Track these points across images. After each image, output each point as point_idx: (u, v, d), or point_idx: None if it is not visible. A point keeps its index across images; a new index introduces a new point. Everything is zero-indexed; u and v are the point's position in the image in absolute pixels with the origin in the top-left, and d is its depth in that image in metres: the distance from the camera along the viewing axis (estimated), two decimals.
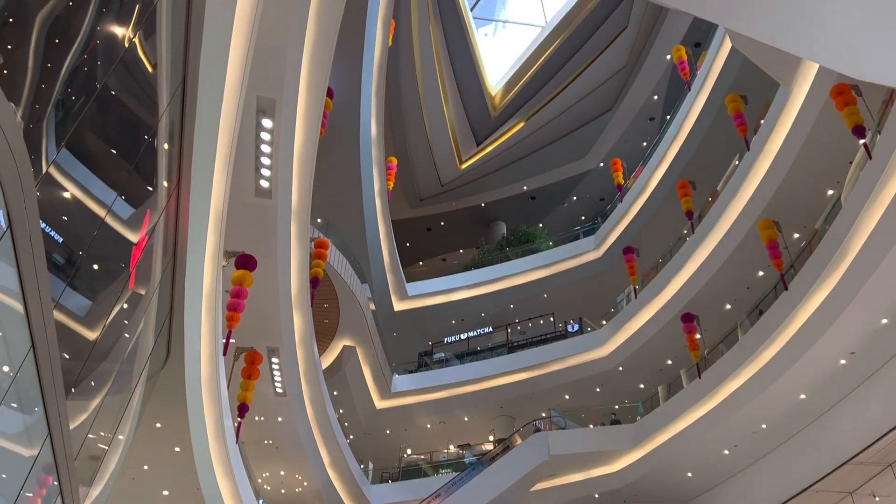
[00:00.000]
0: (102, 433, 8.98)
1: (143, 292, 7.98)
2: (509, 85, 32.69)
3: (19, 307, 4.36)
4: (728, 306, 19.90)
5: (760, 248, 16.93)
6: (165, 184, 7.35)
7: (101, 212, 5.39)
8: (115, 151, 5.74)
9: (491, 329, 28.72)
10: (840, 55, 4.48)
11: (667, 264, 21.09)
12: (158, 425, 12.14)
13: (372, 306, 24.89)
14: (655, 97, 30.13)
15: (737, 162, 19.04)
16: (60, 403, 5.96)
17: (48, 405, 5.77)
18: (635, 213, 24.96)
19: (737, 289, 19.29)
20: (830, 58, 4.62)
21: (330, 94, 15.29)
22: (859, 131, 13.12)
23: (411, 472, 24.83)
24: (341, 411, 24.29)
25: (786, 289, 15.44)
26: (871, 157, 12.80)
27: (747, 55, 15.17)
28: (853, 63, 4.53)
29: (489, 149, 33.66)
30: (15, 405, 5.56)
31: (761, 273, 18.53)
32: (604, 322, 24.35)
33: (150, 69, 5.95)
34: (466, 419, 26.12)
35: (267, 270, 13.65)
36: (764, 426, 16.55)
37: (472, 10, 31.36)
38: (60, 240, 4.91)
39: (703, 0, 4.16)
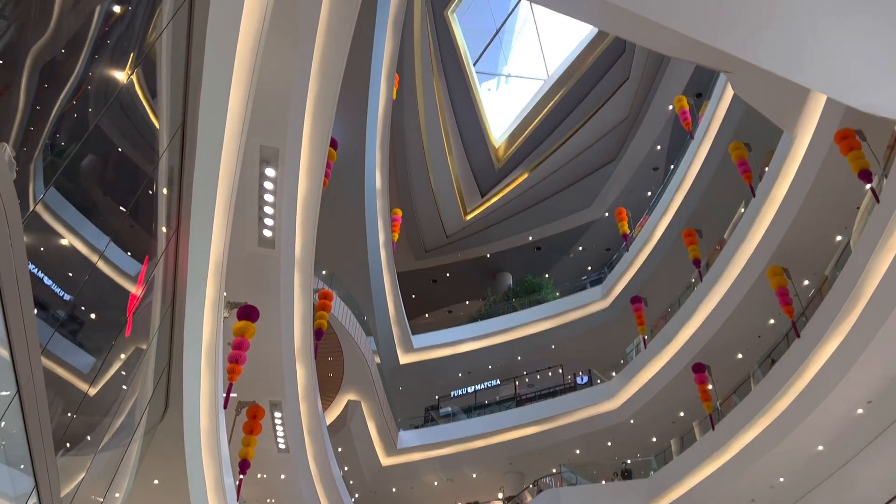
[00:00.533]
0: (97, 490, 8.68)
1: (140, 341, 7.80)
2: (513, 137, 33.04)
3: (4, 352, 4.20)
4: (739, 355, 19.53)
5: (770, 295, 16.68)
6: (164, 229, 7.26)
7: (93, 256, 5.27)
8: (109, 195, 5.66)
9: (498, 382, 28.26)
10: (846, 85, 4.39)
11: (675, 313, 20.82)
12: (156, 482, 11.78)
13: (377, 359, 24.57)
14: (658, 147, 30.31)
15: (743, 209, 18.96)
16: (49, 455, 5.72)
17: (35, 458, 5.53)
18: (642, 262, 24.78)
19: (748, 337, 18.96)
20: (837, 88, 4.52)
21: (334, 144, 15.38)
22: (865, 175, 13.06)
23: None
24: (346, 468, 23.71)
25: (798, 336, 15.14)
26: (878, 201, 12.68)
27: (749, 102, 15.24)
28: (860, 94, 4.44)
29: (494, 200, 33.79)
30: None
31: (772, 321, 18.24)
32: (613, 373, 23.93)
33: (148, 112, 5.92)
34: (475, 476, 25.44)
35: (270, 322, 13.49)
36: (782, 479, 16.00)
37: (474, 64, 31.92)
38: (50, 283, 4.77)
39: (718, 33, 4.13)
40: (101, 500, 9.08)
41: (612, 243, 31.63)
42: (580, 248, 34.53)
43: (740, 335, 18.88)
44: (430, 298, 34.84)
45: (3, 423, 4.78)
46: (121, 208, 5.95)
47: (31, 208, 3.94)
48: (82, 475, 7.62)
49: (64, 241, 4.86)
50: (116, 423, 8.27)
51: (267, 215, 12.13)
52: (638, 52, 28.65)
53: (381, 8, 20.20)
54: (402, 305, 27.45)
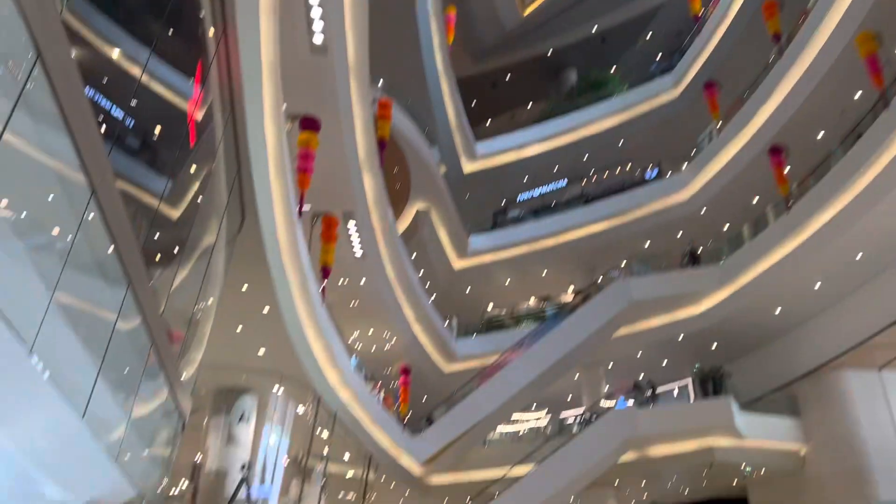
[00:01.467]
0: (189, 297, 9.25)
1: (206, 151, 7.88)
2: None
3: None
4: (820, 135, 18.48)
5: (856, 67, 15.38)
6: (211, 32, 7.01)
7: (135, 69, 5.11)
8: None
9: (566, 182, 28.04)
10: None
11: (752, 95, 19.61)
12: (244, 289, 12.56)
13: (442, 169, 24.56)
14: None
15: None
16: (138, 263, 5.99)
17: (129, 267, 5.77)
18: (715, 44, 23.08)
19: (830, 114, 17.78)
20: None
21: None
22: None
23: (494, 325, 25.35)
24: (422, 272, 24.69)
25: (886, 107, 14.10)
26: None
27: None
28: None
29: None
30: (97, 274, 5.57)
31: (860, 93, 16.94)
32: (685, 165, 23.27)
33: None
34: (545, 274, 26.10)
35: (332, 132, 13.43)
36: (859, 256, 15.75)
37: None
38: (99, 100, 4.66)
39: None
40: (197, 304, 9.75)
41: (684, 26, 29.33)
42: (648, 36, 32.29)
43: (822, 112, 17.68)
44: (490, 104, 33.90)
45: (78, 235, 4.96)
46: (159, 13, 5.68)
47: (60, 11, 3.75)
48: (173, 285, 8.06)
49: (105, 52, 4.70)
50: (195, 233, 8.61)
51: (315, 19, 11.60)
52: None
53: None
54: (462, 112, 26.88)
